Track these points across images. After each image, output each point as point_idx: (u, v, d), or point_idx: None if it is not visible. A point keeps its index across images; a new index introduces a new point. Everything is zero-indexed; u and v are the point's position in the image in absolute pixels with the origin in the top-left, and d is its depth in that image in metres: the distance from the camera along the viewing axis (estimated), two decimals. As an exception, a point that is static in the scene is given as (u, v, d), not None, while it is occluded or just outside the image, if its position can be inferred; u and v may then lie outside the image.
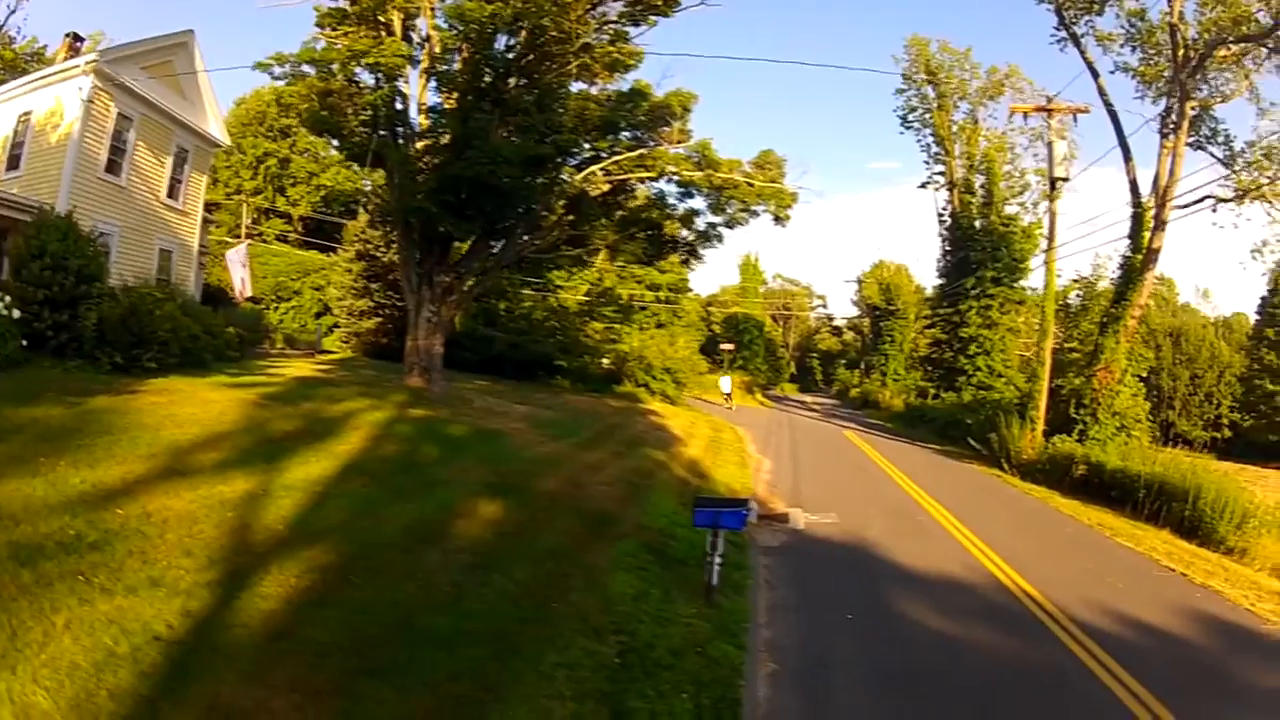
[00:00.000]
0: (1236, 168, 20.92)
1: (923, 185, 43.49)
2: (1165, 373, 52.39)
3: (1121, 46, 23.15)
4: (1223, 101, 21.74)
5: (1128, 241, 22.06)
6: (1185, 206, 21.14)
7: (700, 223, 23.50)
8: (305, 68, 16.80)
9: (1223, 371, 51.94)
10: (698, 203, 23.05)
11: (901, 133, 46.04)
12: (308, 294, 37.93)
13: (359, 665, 4.67)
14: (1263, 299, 51.41)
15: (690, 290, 53.36)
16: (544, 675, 5.02)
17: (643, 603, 6.78)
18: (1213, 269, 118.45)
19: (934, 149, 42.48)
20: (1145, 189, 21.71)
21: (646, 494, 11.49)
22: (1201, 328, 57.76)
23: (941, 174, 41.69)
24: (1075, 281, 35.62)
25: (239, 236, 40.13)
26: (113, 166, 18.18)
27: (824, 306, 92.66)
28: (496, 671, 4.96)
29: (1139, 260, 21.38)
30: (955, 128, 41.66)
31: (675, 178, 21.83)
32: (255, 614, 5.16)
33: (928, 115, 42.83)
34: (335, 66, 16.69)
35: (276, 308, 37.39)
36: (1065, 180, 20.86)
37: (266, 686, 4.30)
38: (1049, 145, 20.80)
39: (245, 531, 6.53)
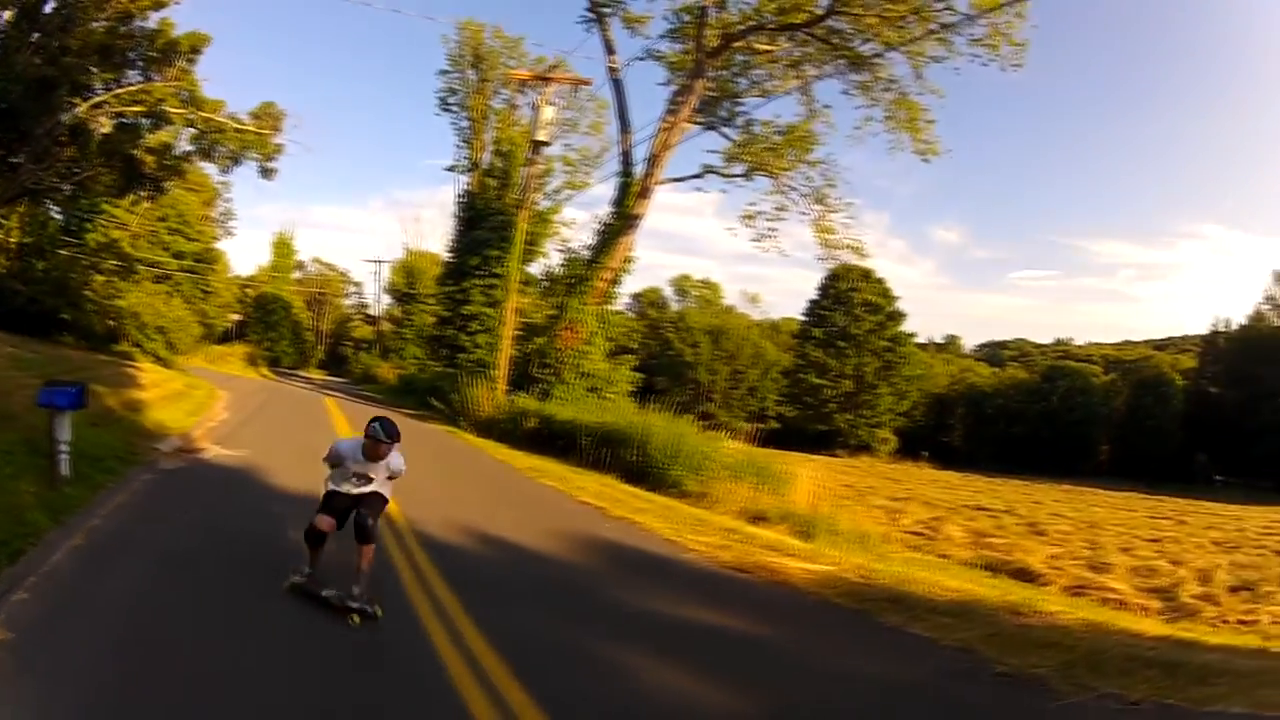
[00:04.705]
0: (752, 145, 22.94)
1: (450, 168, 42.89)
2: (703, 367, 58.21)
3: (661, 37, 23.55)
4: (762, 95, 23.58)
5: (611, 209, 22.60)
6: (684, 179, 23.46)
7: (170, 158, 24.78)
8: None
9: (768, 368, 58.24)
10: (168, 135, 24.45)
11: (438, 114, 44.72)
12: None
13: None
14: (812, 302, 58.80)
15: (218, 261, 50.59)
16: None
17: (-19, 474, 6.79)
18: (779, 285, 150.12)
19: (466, 132, 42.36)
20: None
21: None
22: (745, 328, 63.94)
23: (468, 157, 41.70)
24: (561, 252, 35.08)
25: None
26: None
27: (359, 294, 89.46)
28: None
29: (619, 225, 22.03)
30: (492, 114, 42.14)
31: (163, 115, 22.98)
32: None
33: (467, 99, 42.58)
34: None
35: None
36: (546, 144, 21.51)
37: None
38: (535, 109, 21.13)
39: None
